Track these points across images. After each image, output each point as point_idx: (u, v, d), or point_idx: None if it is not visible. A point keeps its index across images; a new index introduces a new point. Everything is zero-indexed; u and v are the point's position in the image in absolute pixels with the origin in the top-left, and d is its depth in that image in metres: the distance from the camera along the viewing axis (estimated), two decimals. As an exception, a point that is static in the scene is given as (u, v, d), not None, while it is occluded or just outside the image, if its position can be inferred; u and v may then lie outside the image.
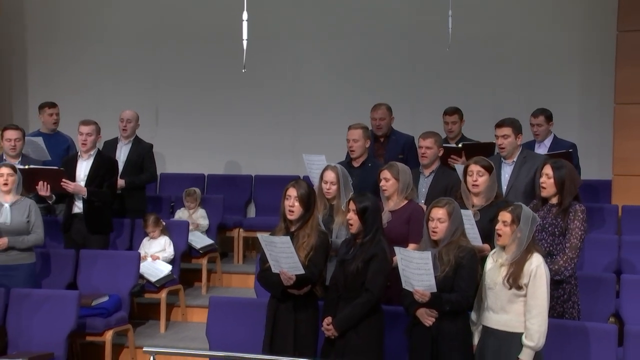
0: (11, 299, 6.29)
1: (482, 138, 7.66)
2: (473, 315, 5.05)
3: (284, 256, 5.09)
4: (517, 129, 6.36)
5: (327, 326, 5.14)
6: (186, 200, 8.44)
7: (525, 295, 4.74)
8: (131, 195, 7.93)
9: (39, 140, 7.93)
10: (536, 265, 4.74)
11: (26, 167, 6.90)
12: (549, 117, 7.51)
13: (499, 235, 4.85)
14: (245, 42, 4.99)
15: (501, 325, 4.81)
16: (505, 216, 4.83)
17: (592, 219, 7.07)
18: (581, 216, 5.40)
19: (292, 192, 5.28)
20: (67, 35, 10.13)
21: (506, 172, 6.33)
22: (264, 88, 9.72)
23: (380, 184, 5.86)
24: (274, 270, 5.18)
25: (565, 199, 5.43)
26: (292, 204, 5.26)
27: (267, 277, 5.32)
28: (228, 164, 9.99)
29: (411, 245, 5.53)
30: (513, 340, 4.75)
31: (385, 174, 5.85)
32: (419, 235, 5.47)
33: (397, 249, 5.01)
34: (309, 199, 5.30)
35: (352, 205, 5.20)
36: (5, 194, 6.45)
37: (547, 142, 7.50)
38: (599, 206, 7.82)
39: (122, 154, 7.93)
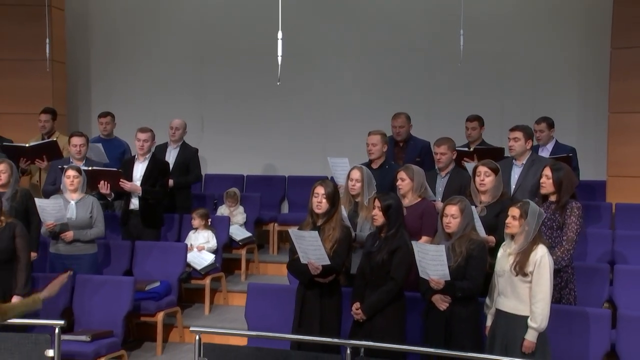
0: (76, 284, 6.34)
1: (490, 144, 7.64)
2: (487, 300, 5.03)
3: (312, 249, 5.10)
4: (528, 135, 6.31)
5: (356, 310, 5.14)
6: (227, 201, 8.44)
7: (530, 282, 4.72)
8: (179, 193, 7.97)
9: (99, 145, 8.02)
10: (541, 255, 4.72)
11: (89, 168, 6.97)
12: (550, 124, 7.45)
13: (509, 228, 4.84)
14: (280, 58, 5.00)
15: (510, 309, 4.81)
16: (514, 211, 4.82)
17: (588, 215, 7.02)
18: (577, 212, 5.38)
19: (319, 190, 5.29)
20: (124, 53, 10.21)
21: (516, 173, 6.29)
22: (296, 99, 9.73)
23: (397, 183, 5.86)
24: (303, 261, 5.18)
25: (562, 197, 5.42)
26: (320, 201, 5.27)
27: (296, 267, 5.32)
28: (265, 165, 10.02)
29: (424, 238, 5.53)
30: (520, 322, 4.74)
31: (402, 174, 5.86)
32: (431, 229, 5.48)
33: (414, 243, 5.01)
34: (334, 196, 5.31)
35: (377, 203, 5.20)
36: (72, 193, 6.51)
37: (550, 146, 7.43)
38: (596, 204, 7.76)
39: (170, 157, 7.94)
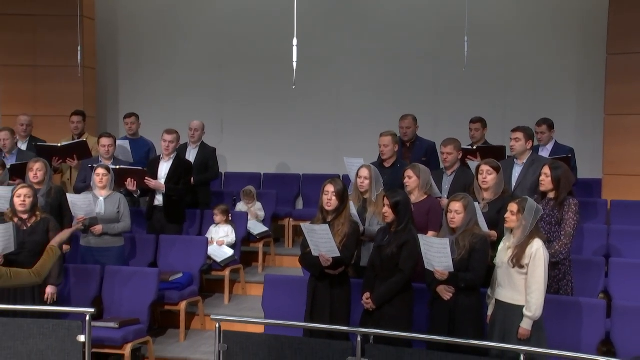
0: (105, 275, 6.39)
1: (493, 144, 7.63)
2: (489, 291, 5.05)
3: (323, 242, 5.11)
4: (529, 136, 6.31)
5: (367, 300, 5.15)
6: (244, 198, 8.46)
7: (526, 274, 4.74)
8: (200, 190, 7.99)
9: (125, 143, 8.09)
10: (536, 249, 4.74)
11: (117, 167, 7.03)
12: (550, 126, 7.44)
13: (507, 222, 4.86)
14: (295, 64, 5.02)
15: (507, 299, 4.83)
16: (513, 207, 4.85)
17: (585, 211, 7.02)
18: (574, 209, 5.39)
19: (329, 188, 5.32)
20: (150, 59, 10.26)
21: (517, 171, 6.29)
22: (310, 102, 9.75)
23: (404, 181, 5.87)
24: (314, 253, 5.20)
25: (561, 194, 5.43)
26: (330, 198, 5.29)
27: (308, 260, 5.34)
28: (280, 164, 10.05)
29: (430, 233, 5.54)
30: (516, 312, 4.77)
31: (409, 172, 5.87)
32: (437, 225, 5.49)
33: (420, 236, 5.03)
34: (343, 194, 5.33)
35: (386, 201, 5.21)
36: (101, 189, 6.57)
37: (549, 146, 7.41)
38: (592, 201, 7.76)
39: (191, 157, 7.98)
